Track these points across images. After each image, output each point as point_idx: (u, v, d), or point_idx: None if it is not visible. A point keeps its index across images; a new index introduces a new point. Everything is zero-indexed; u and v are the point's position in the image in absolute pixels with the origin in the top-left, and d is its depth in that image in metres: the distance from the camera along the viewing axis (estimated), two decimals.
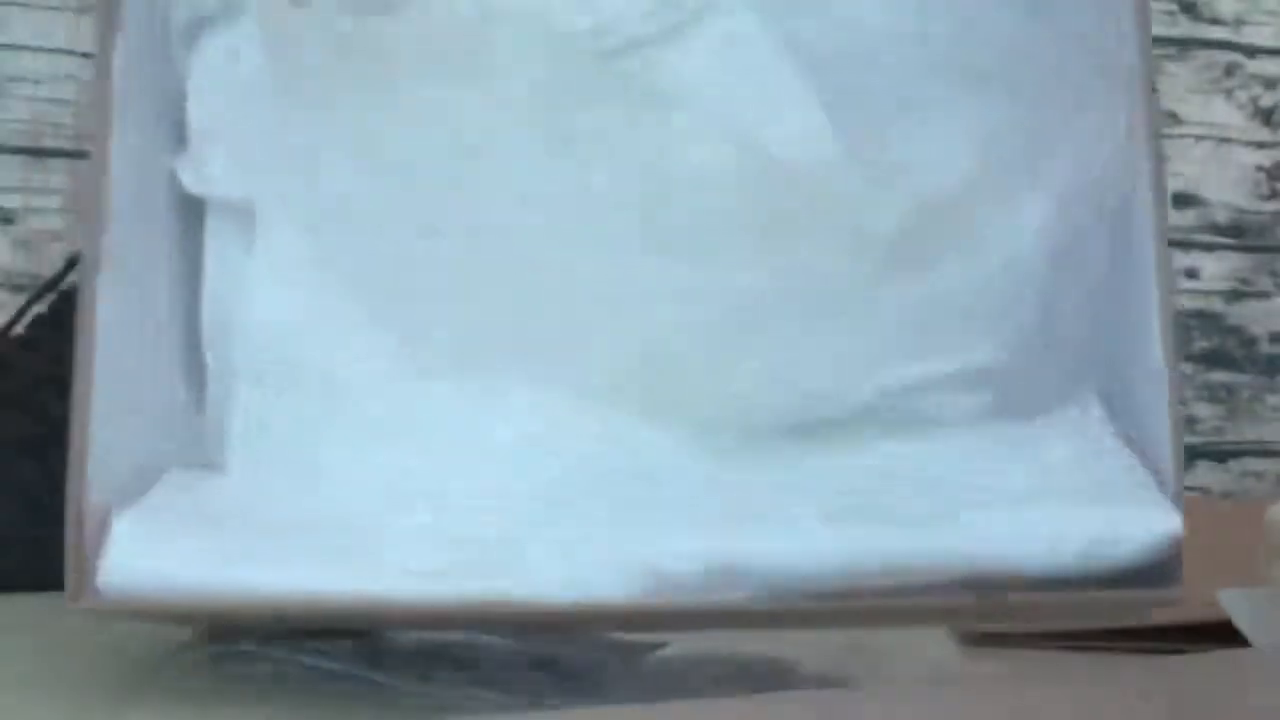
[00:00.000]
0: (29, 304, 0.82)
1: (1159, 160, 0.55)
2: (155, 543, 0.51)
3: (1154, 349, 0.54)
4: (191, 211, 0.60)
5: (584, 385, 0.59)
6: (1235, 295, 1.01)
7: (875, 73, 0.63)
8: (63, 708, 0.49)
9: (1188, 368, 1.01)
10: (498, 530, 0.54)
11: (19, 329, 0.81)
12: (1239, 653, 0.49)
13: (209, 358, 0.59)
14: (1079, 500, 0.53)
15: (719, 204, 0.56)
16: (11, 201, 0.99)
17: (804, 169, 0.57)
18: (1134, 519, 0.51)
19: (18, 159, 0.99)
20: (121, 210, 0.54)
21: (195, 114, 0.60)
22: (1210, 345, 1.01)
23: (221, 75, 0.60)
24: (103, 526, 0.51)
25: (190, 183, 0.59)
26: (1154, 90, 0.56)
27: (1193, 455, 1.01)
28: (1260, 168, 1.01)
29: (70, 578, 0.50)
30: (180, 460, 0.57)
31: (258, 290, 0.59)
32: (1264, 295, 1.02)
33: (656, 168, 0.56)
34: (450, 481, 0.58)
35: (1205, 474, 1.01)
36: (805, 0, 0.63)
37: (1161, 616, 0.57)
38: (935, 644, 0.62)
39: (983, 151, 0.60)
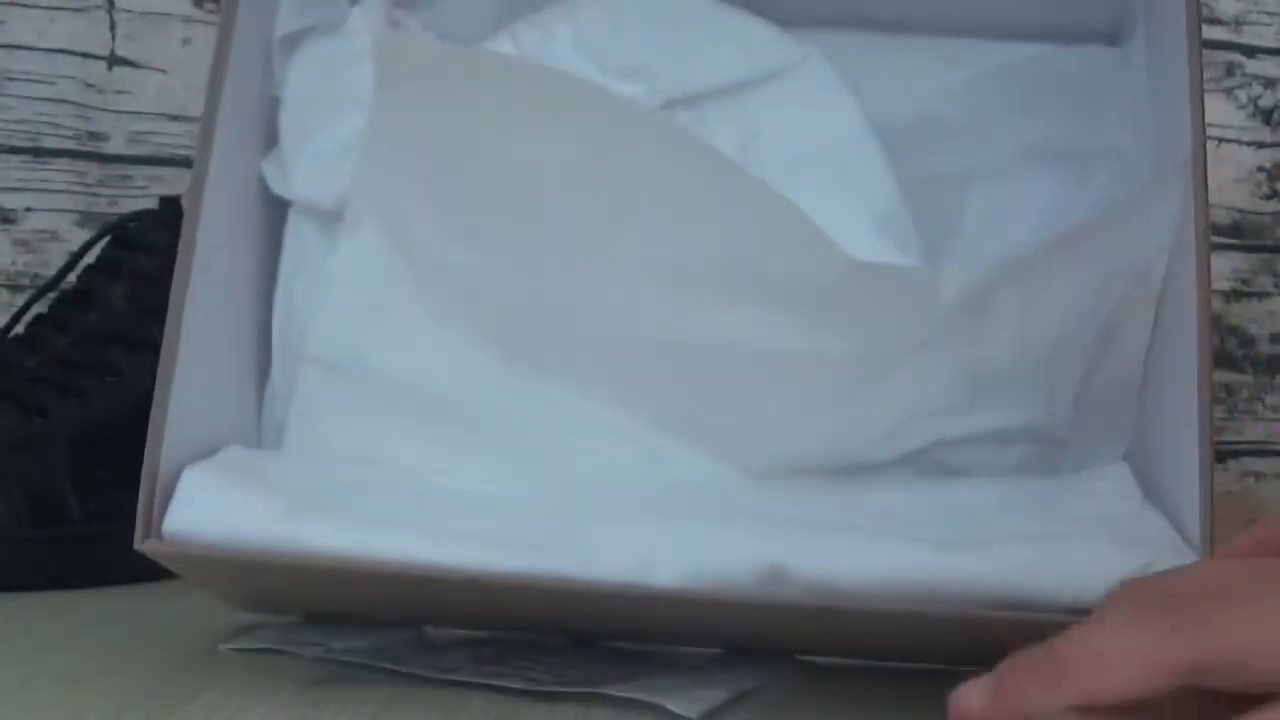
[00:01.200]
0: (29, 304, 0.82)
1: (1206, 245, 0.56)
2: (219, 495, 0.53)
3: (1191, 434, 0.54)
4: (275, 209, 0.63)
5: (638, 407, 0.61)
6: (1235, 295, 1.01)
7: (938, 140, 0.66)
8: (65, 708, 0.49)
9: None
10: (556, 518, 0.55)
11: (19, 329, 0.81)
12: None
13: (276, 342, 0.63)
14: (1108, 544, 0.53)
15: (785, 270, 0.57)
16: (11, 201, 0.99)
17: (876, 251, 0.59)
18: (1162, 563, 0.52)
19: (18, 159, 0.99)
20: (215, 206, 0.57)
21: (286, 120, 0.63)
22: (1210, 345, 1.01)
23: (316, 86, 0.63)
24: (173, 478, 0.54)
25: (275, 184, 0.62)
26: (1205, 173, 0.57)
27: None
28: (1260, 168, 1.01)
29: (140, 522, 0.52)
30: (240, 440, 0.60)
31: (335, 283, 0.61)
32: (1264, 295, 1.02)
33: (729, 235, 0.58)
34: (511, 475, 0.60)
35: None
36: (874, 69, 0.67)
37: None
38: None
39: (1039, 226, 0.62)
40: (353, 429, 0.61)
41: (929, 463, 0.61)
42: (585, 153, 0.58)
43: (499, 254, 0.60)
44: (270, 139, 0.63)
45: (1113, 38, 0.69)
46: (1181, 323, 0.56)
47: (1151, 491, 0.58)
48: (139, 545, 0.52)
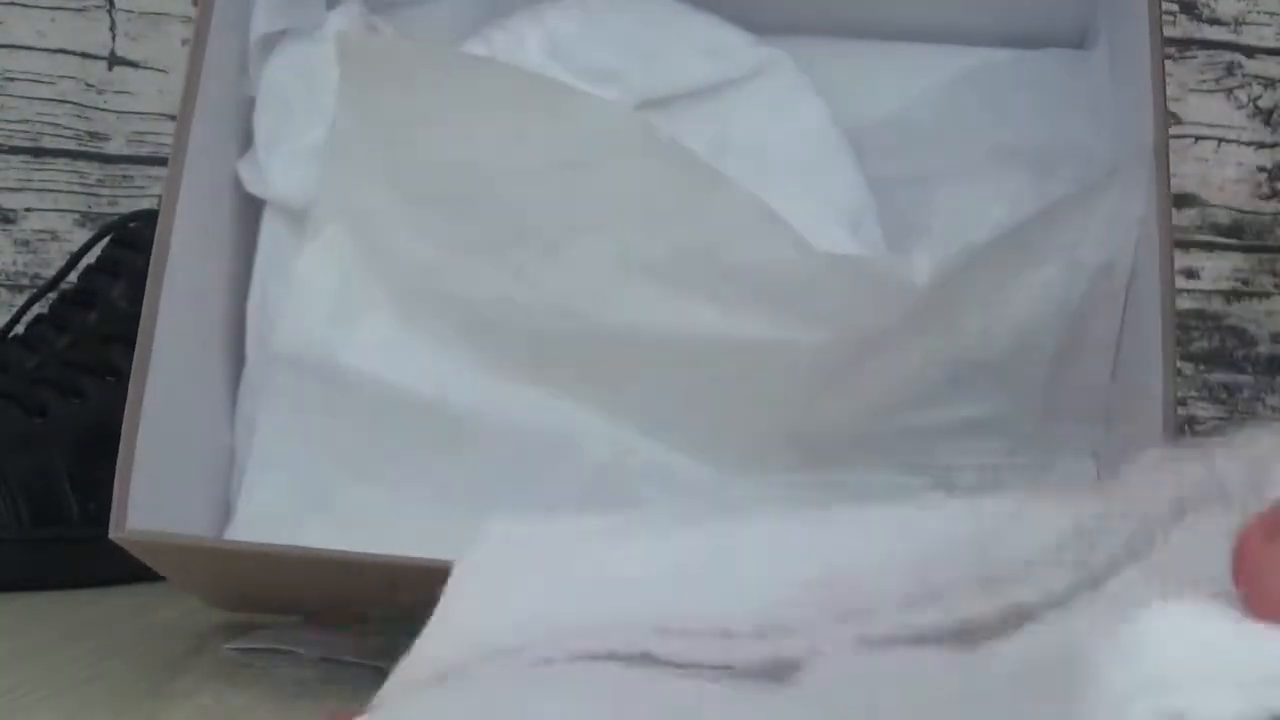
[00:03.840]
0: (29, 304, 0.82)
1: (1169, 237, 0.57)
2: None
3: (1155, 429, 0.55)
4: (250, 208, 0.64)
5: (606, 403, 0.61)
6: (1235, 295, 1.01)
7: (906, 143, 0.66)
8: (65, 709, 0.49)
9: (1188, 368, 1.01)
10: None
11: (19, 329, 0.81)
12: None
13: (250, 338, 0.63)
14: None
15: (761, 262, 0.58)
16: (11, 201, 0.99)
17: (844, 251, 0.59)
18: None
19: (18, 159, 0.99)
20: (191, 204, 0.57)
21: (261, 121, 0.63)
22: (1210, 345, 1.01)
23: (291, 87, 0.63)
24: (147, 469, 0.54)
25: (250, 183, 0.63)
26: (1168, 169, 0.58)
27: None
28: (1260, 168, 1.01)
29: (115, 512, 0.53)
30: (213, 432, 0.61)
31: (301, 283, 0.61)
32: (1264, 295, 1.02)
33: (708, 231, 0.58)
34: (478, 473, 0.60)
35: None
36: (843, 74, 0.68)
37: None
38: None
39: (1005, 218, 0.62)
40: (322, 426, 0.61)
41: (897, 456, 0.61)
42: (552, 149, 0.58)
43: (465, 252, 0.60)
44: (246, 139, 0.64)
45: (1078, 41, 0.70)
46: (1147, 318, 0.57)
47: None
48: (113, 535, 0.53)
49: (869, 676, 0.25)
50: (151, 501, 0.54)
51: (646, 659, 0.27)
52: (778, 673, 0.26)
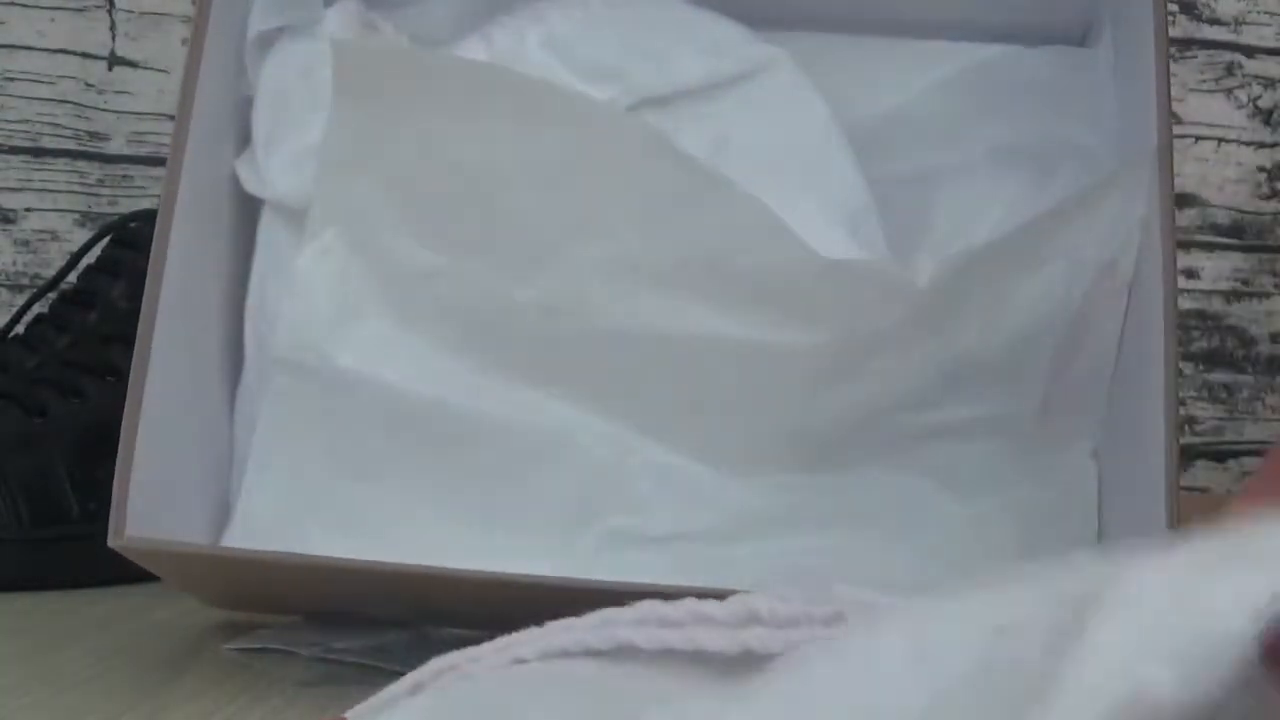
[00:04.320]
0: (29, 304, 0.82)
1: (1172, 237, 0.57)
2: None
3: (1159, 429, 0.55)
4: (248, 208, 0.64)
5: (608, 405, 0.61)
6: (1235, 295, 1.01)
7: (906, 140, 0.66)
8: (64, 710, 0.49)
9: (1188, 368, 1.01)
10: (542, 523, 0.55)
11: (19, 329, 0.81)
12: None
13: (248, 340, 0.63)
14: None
15: (761, 265, 0.58)
16: (11, 201, 0.99)
17: (845, 251, 0.59)
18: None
19: (18, 159, 0.99)
20: (189, 205, 0.57)
21: (259, 120, 0.63)
22: (1210, 345, 1.01)
23: (289, 86, 0.63)
24: (146, 474, 0.54)
25: (248, 183, 0.63)
26: (1171, 169, 0.58)
27: (1192, 455, 1.01)
28: (1260, 168, 1.01)
29: (113, 520, 0.53)
30: (212, 435, 0.61)
31: (300, 287, 0.61)
32: (1264, 295, 1.02)
33: (710, 233, 0.58)
34: (480, 478, 0.60)
35: (1205, 474, 1.01)
36: (843, 71, 0.67)
37: None
38: None
39: (1005, 218, 0.62)
40: (322, 427, 0.61)
41: (897, 456, 0.61)
42: (551, 152, 0.58)
43: (465, 255, 0.60)
44: (244, 138, 0.63)
45: (1080, 38, 0.70)
46: (1149, 317, 0.57)
47: (1118, 487, 0.59)
48: (112, 542, 0.53)
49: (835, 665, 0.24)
50: (150, 504, 0.54)
51: (621, 653, 0.27)
52: (753, 665, 0.26)
